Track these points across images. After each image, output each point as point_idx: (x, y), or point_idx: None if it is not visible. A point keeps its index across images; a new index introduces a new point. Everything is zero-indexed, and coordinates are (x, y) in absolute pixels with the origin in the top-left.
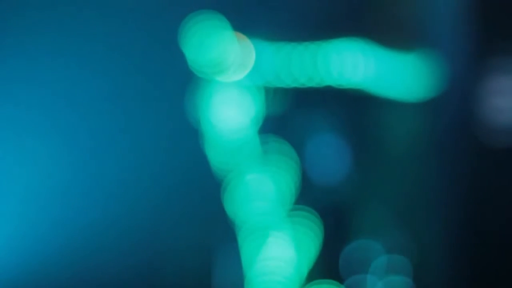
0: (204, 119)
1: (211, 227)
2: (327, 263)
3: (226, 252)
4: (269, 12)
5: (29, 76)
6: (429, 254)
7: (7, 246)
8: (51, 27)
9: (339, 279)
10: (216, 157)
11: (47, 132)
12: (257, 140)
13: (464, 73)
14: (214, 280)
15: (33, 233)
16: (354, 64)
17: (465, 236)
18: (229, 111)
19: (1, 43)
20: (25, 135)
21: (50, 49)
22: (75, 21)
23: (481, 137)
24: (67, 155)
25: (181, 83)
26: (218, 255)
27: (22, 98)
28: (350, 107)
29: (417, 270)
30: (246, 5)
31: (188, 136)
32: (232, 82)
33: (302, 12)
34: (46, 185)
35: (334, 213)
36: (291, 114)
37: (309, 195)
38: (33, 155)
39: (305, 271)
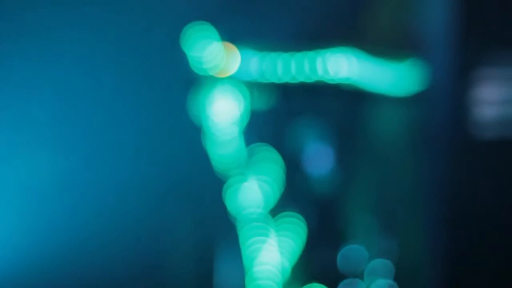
0: (201, 116)
1: (212, 224)
2: (313, 266)
3: (227, 249)
4: (260, 24)
5: (31, 77)
6: (416, 255)
7: (7, 245)
8: (50, 29)
9: (326, 283)
10: (214, 155)
11: (51, 129)
12: (243, 140)
13: (449, 71)
14: (215, 276)
15: (35, 231)
16: (341, 67)
17: (454, 234)
18: (219, 108)
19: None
20: (27, 134)
21: (50, 50)
22: (74, 22)
23: (467, 131)
24: (71, 153)
25: (179, 82)
26: (220, 251)
27: (25, 98)
28: (335, 105)
29: (403, 273)
30: (241, 15)
31: (188, 134)
32: (222, 78)
33: (293, 23)
34: (50, 181)
35: (321, 217)
36: (277, 111)
37: (295, 200)
38: (37, 151)
39: (291, 275)
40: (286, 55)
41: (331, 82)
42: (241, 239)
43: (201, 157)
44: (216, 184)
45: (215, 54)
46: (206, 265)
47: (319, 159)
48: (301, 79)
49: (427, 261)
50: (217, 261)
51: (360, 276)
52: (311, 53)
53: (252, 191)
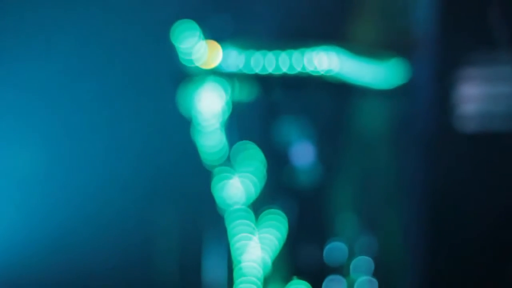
0: (187, 110)
1: (198, 218)
2: (294, 263)
3: (213, 243)
4: (244, 22)
5: (25, 77)
6: (396, 251)
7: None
8: (41, 29)
9: (308, 279)
10: (200, 147)
11: (43, 125)
12: (226, 134)
13: (430, 68)
14: (201, 270)
15: (26, 223)
16: (323, 63)
17: (434, 230)
18: (204, 102)
19: None
20: (22, 133)
21: (42, 50)
22: (64, 22)
23: (447, 126)
24: (63, 149)
25: (166, 77)
26: (205, 245)
27: (21, 98)
28: (316, 99)
29: (383, 269)
30: (226, 13)
31: (175, 127)
32: (206, 72)
33: (278, 21)
34: (42, 177)
35: (302, 213)
36: (259, 105)
37: (277, 196)
38: (31, 150)
39: (273, 271)
40: (270, 53)
41: (314, 75)
42: (225, 234)
43: (189, 150)
44: (203, 177)
45: (199, 50)
46: (193, 258)
47: (301, 154)
48: (283, 72)
49: (407, 257)
50: (202, 255)
51: (341, 272)
52: (295, 51)
53: (235, 187)
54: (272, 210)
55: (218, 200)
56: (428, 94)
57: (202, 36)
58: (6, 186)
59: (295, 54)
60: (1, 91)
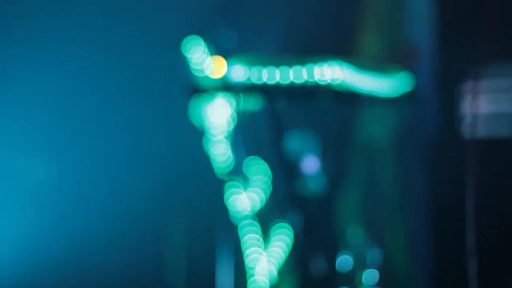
0: (198, 121)
1: (212, 226)
2: (301, 275)
3: (221, 253)
4: (251, 37)
5: (30, 82)
6: (402, 263)
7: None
8: (53, 36)
9: None
10: (211, 158)
11: (57, 139)
12: (233, 145)
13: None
14: (215, 278)
15: (37, 231)
16: (328, 75)
17: (440, 239)
18: (213, 114)
19: None
20: (34, 135)
21: (56, 59)
22: (78, 33)
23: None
24: (76, 160)
25: (177, 89)
26: (219, 253)
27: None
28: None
29: (389, 281)
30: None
31: (186, 137)
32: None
33: (285, 36)
34: (55, 189)
35: (309, 226)
36: (265, 118)
37: (284, 208)
38: (44, 161)
39: (281, 283)
40: (277, 67)
41: (319, 85)
42: (236, 245)
43: (201, 161)
44: (215, 189)
45: (208, 64)
46: (204, 269)
47: (308, 165)
48: (290, 83)
49: (413, 268)
50: (214, 266)
51: (349, 284)
52: (301, 66)
53: (243, 199)
54: (280, 222)
55: (229, 211)
56: (432, 103)
57: (211, 50)
58: (19, 198)
59: (302, 67)
60: (14, 104)
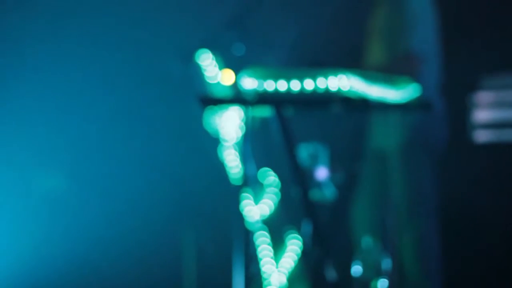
0: (210, 131)
1: (228, 233)
2: (313, 283)
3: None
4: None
5: (37, 95)
6: (413, 272)
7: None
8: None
9: None
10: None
11: (71, 143)
12: (244, 154)
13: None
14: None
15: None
16: (338, 85)
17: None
18: (224, 125)
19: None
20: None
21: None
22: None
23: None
24: (94, 169)
25: (191, 100)
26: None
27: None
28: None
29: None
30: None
31: (200, 146)
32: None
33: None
34: (72, 200)
35: (321, 234)
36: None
37: (294, 216)
38: (63, 171)
39: None
40: (288, 80)
41: (329, 93)
42: (250, 252)
43: (215, 169)
44: (229, 196)
45: (221, 76)
46: (217, 274)
47: (319, 175)
48: (300, 91)
49: (424, 273)
50: (229, 271)
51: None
52: (311, 77)
53: (255, 207)
54: (292, 231)
55: (244, 220)
56: (440, 111)
57: (223, 62)
58: (32, 205)
59: (312, 79)
60: (27, 116)
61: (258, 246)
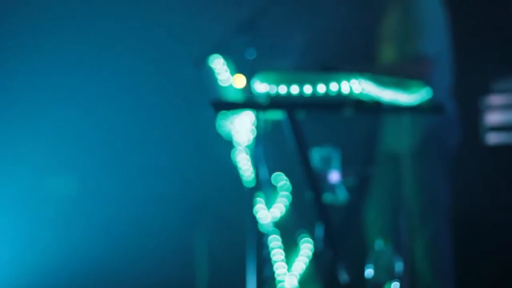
0: (226, 134)
1: (242, 236)
2: (326, 286)
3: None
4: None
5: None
6: (426, 275)
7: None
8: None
9: None
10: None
11: (88, 144)
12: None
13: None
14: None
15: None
16: (351, 89)
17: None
18: (237, 129)
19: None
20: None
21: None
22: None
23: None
24: (109, 171)
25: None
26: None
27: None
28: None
29: None
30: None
31: (217, 150)
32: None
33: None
34: (85, 191)
35: (334, 238)
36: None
37: (308, 220)
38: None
39: None
40: (300, 84)
41: (340, 97)
42: (262, 254)
43: (228, 172)
44: (243, 199)
45: (234, 80)
46: (231, 277)
47: (332, 178)
48: (312, 95)
49: (436, 278)
50: (242, 275)
51: None
52: (323, 81)
53: (267, 210)
54: (304, 234)
55: (257, 223)
56: (451, 112)
57: (236, 66)
58: (46, 211)
59: (324, 83)
60: (40, 126)
61: (271, 249)
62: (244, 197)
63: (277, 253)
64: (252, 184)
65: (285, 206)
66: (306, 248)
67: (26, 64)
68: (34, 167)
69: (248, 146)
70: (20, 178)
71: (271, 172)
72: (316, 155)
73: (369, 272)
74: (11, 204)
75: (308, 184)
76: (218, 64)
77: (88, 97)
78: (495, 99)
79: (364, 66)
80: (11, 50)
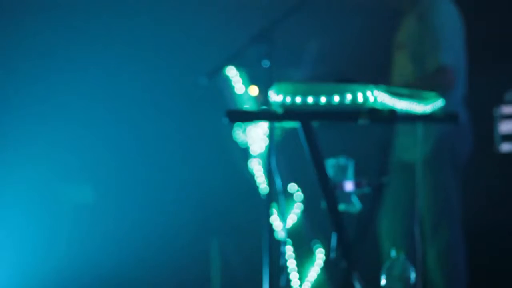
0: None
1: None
2: None
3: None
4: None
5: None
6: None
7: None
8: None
9: None
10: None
11: (104, 150)
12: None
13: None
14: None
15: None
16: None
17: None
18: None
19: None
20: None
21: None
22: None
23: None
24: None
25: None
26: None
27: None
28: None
29: None
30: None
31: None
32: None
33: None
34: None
35: (347, 246)
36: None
37: (321, 229)
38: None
39: None
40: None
41: (355, 106)
42: (273, 262)
43: (244, 181)
44: (258, 208)
45: (248, 91)
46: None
47: (346, 187)
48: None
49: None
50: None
51: None
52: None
53: (280, 218)
54: (318, 242)
55: (271, 230)
56: (465, 121)
57: (251, 77)
58: (59, 217)
59: (339, 94)
60: (55, 133)
61: (286, 257)
62: (260, 206)
63: (292, 262)
64: (267, 193)
65: (299, 215)
66: (320, 257)
67: (54, 67)
68: (49, 173)
69: (263, 155)
70: (35, 183)
71: (286, 180)
72: (331, 165)
73: (382, 281)
74: (28, 210)
75: (323, 193)
76: (234, 74)
77: (107, 106)
78: (507, 109)
79: (382, 79)
80: (30, 54)
